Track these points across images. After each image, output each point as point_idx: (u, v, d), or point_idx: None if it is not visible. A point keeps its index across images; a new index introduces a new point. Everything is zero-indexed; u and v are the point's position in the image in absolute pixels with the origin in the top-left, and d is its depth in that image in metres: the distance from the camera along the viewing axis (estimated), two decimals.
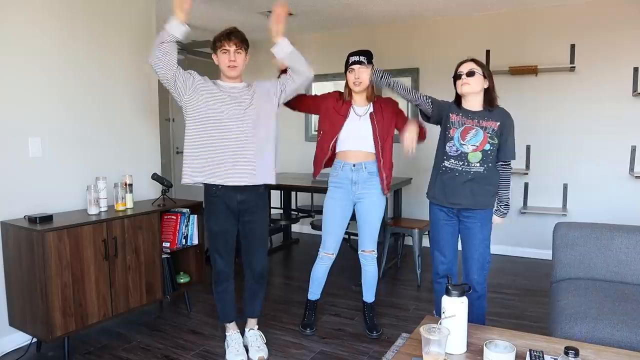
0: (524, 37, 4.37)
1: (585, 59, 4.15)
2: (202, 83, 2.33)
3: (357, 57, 2.61)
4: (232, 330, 2.58)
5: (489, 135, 2.33)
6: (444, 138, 2.42)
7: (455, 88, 2.40)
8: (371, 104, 2.69)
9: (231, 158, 2.32)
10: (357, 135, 2.65)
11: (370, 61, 2.61)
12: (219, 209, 2.39)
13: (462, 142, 2.34)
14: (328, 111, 2.70)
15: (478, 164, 2.34)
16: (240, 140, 2.33)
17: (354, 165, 2.66)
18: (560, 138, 4.32)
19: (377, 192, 2.72)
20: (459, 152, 2.35)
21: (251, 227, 2.47)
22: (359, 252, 2.82)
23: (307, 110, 2.84)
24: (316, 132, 5.53)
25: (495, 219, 2.49)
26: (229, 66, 2.31)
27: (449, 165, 2.38)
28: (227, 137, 2.31)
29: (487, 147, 2.33)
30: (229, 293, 2.52)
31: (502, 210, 2.49)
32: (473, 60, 2.36)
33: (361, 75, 2.58)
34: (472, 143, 2.33)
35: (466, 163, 2.34)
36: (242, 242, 2.50)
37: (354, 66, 2.60)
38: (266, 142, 2.40)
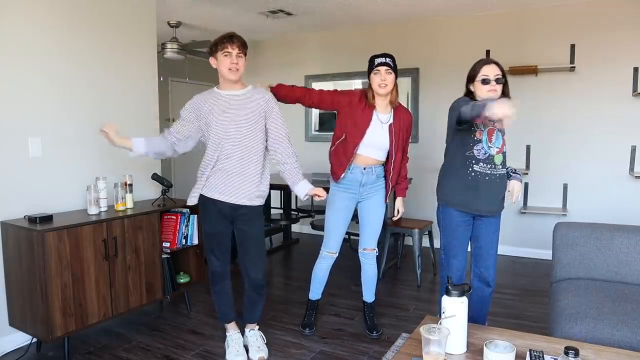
0: (524, 37, 4.37)
1: (585, 59, 4.15)
2: (206, 109, 2.33)
3: (384, 58, 2.53)
4: (232, 330, 2.58)
5: (504, 137, 2.36)
6: (469, 140, 2.31)
7: (469, 86, 2.34)
8: (392, 112, 2.64)
9: (238, 178, 2.34)
10: (375, 143, 2.62)
11: (394, 65, 2.56)
12: (212, 212, 2.39)
13: (489, 144, 2.30)
14: (353, 111, 2.59)
15: (501, 166, 2.34)
16: (243, 156, 2.34)
17: (364, 169, 2.65)
18: (560, 138, 4.32)
19: (383, 193, 2.74)
20: (487, 154, 2.30)
21: (245, 235, 2.44)
22: (360, 250, 2.82)
23: (326, 107, 2.73)
24: (317, 132, 5.57)
25: (515, 183, 2.39)
26: (230, 69, 2.28)
27: (480, 170, 2.30)
28: (232, 153, 2.32)
29: (505, 148, 2.35)
30: (226, 293, 2.52)
31: (517, 173, 2.41)
32: (496, 63, 2.29)
33: (387, 77, 2.51)
34: (496, 145, 2.32)
35: (493, 166, 2.31)
36: (238, 249, 2.49)
37: (380, 68, 2.52)
38: (264, 158, 2.43)
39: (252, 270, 2.47)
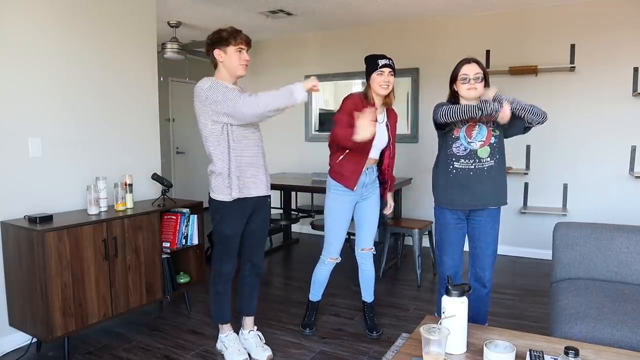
0: (524, 37, 4.37)
1: (585, 59, 4.15)
2: None
3: (387, 60, 2.57)
4: (228, 331, 2.57)
5: (491, 128, 2.35)
6: (448, 139, 2.39)
7: (452, 86, 2.40)
8: (385, 111, 2.67)
9: (258, 169, 2.40)
10: (378, 144, 2.63)
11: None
12: (236, 214, 2.38)
13: (469, 140, 2.34)
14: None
15: (489, 159, 2.35)
16: (259, 148, 2.42)
17: (366, 169, 2.66)
18: (560, 138, 4.32)
19: (378, 192, 2.77)
20: (468, 150, 2.34)
21: (258, 225, 2.50)
22: (358, 251, 2.81)
23: None
24: (317, 132, 5.56)
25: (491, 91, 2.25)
26: (242, 64, 2.31)
27: (460, 166, 2.36)
28: (253, 147, 2.38)
29: (493, 140, 2.35)
30: (227, 294, 2.52)
31: (510, 98, 2.22)
32: (476, 62, 2.34)
33: (390, 79, 2.55)
34: (478, 139, 2.34)
35: (477, 160, 2.34)
36: (247, 240, 2.50)
37: (384, 69, 2.54)
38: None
39: (256, 256, 2.56)
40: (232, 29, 2.31)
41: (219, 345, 2.60)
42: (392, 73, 2.56)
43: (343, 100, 2.62)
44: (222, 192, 2.33)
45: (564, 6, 4.19)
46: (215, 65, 2.35)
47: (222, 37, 2.29)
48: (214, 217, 2.41)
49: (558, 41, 4.23)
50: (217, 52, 2.31)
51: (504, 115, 2.17)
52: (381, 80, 2.55)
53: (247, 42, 2.33)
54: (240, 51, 2.29)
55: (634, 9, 3.96)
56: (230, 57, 2.29)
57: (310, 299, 2.92)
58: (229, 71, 2.32)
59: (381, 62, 2.56)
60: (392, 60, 2.59)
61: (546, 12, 4.27)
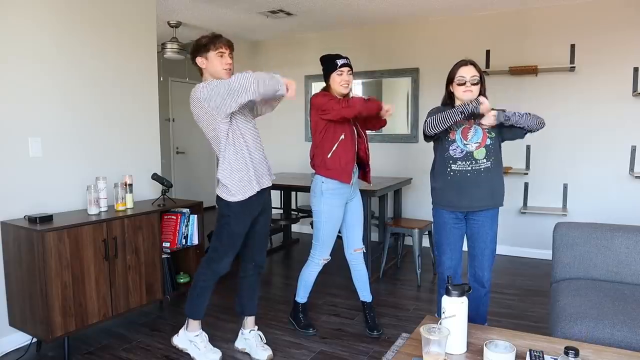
0: (524, 37, 4.37)
1: (585, 59, 4.15)
2: None
3: (346, 59, 2.63)
4: (198, 330, 2.55)
5: (486, 130, 2.36)
6: (444, 142, 2.40)
7: (449, 87, 2.42)
8: None
9: (263, 161, 2.43)
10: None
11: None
12: (248, 211, 2.38)
13: (465, 142, 2.35)
14: None
15: (485, 160, 2.36)
16: (260, 141, 2.44)
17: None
18: (560, 138, 4.32)
19: (359, 192, 2.84)
20: (464, 152, 2.35)
21: (262, 225, 2.51)
22: (350, 252, 2.82)
23: None
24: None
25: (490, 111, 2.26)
26: (225, 69, 2.29)
27: (458, 168, 2.37)
28: (256, 140, 2.40)
29: (488, 141, 2.36)
30: (211, 289, 2.51)
31: (508, 113, 2.29)
32: (473, 64, 2.35)
33: (349, 78, 2.63)
34: (474, 141, 2.35)
35: (474, 161, 2.35)
36: (251, 240, 2.50)
37: (343, 69, 2.60)
38: None
39: (259, 256, 2.56)
40: (212, 35, 2.31)
41: (181, 344, 2.55)
42: (351, 72, 2.63)
43: (318, 97, 2.60)
44: (244, 188, 2.30)
45: (564, 6, 4.19)
46: (201, 73, 2.36)
47: (202, 44, 2.30)
48: (226, 215, 2.36)
49: (558, 41, 4.24)
50: (199, 60, 2.32)
51: (485, 108, 2.21)
52: (341, 80, 2.61)
53: (229, 46, 2.31)
54: (221, 55, 2.28)
55: (634, 9, 3.96)
56: (212, 63, 2.29)
57: (299, 301, 2.91)
58: (213, 77, 2.31)
59: (340, 62, 2.61)
60: (349, 59, 2.65)
61: (546, 12, 4.27)
